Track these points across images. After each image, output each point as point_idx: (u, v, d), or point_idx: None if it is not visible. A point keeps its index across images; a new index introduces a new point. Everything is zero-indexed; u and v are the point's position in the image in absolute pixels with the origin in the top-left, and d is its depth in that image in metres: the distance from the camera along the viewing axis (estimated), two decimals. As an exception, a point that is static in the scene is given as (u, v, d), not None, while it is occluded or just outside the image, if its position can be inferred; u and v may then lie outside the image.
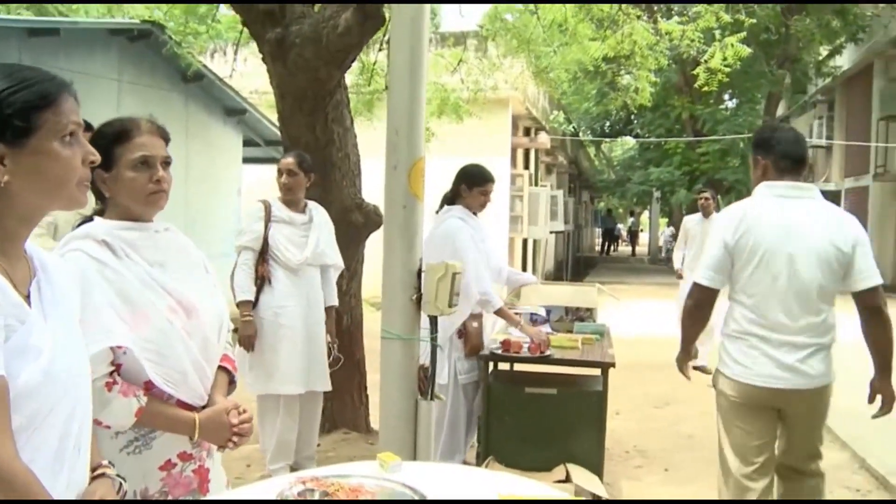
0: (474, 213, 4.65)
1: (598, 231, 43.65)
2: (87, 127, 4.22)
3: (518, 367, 4.86)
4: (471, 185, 4.58)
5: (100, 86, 9.11)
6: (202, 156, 11.02)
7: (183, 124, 10.61)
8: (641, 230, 44.04)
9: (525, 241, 18.17)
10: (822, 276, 3.22)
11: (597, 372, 4.94)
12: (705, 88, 10.46)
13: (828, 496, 4.82)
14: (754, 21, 13.07)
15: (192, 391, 2.05)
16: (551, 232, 19.88)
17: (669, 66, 16.03)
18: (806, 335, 3.23)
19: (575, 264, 25.91)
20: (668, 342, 9.17)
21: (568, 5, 10.00)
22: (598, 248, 41.27)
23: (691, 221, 8.99)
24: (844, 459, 5.52)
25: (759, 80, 19.71)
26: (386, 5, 4.17)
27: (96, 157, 1.46)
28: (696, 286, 3.39)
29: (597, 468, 4.39)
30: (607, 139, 31.10)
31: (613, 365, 4.44)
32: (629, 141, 32.62)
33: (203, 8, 9.34)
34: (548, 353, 4.53)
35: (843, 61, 22.89)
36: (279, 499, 1.79)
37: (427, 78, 3.56)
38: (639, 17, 10.07)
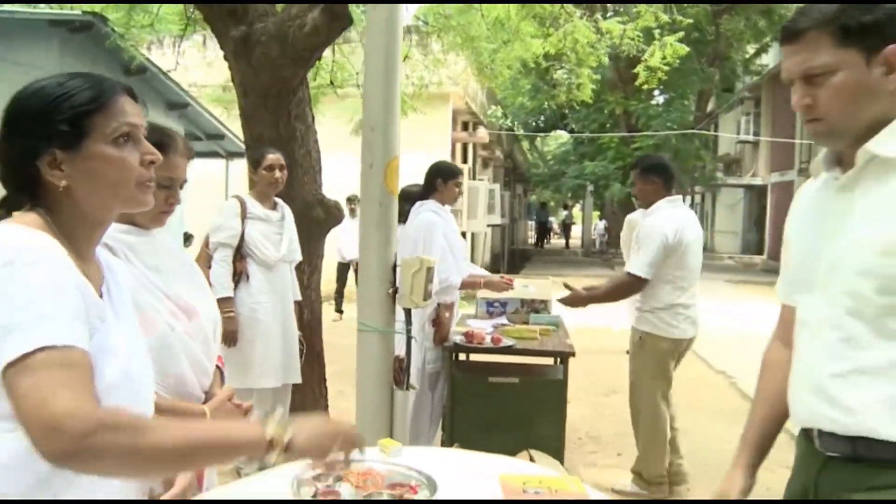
0: (447, 206, 4.80)
1: (532, 224, 44.16)
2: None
3: (480, 357, 5.01)
4: (446, 179, 4.74)
5: (39, 77, 8.94)
6: (144, 149, 10.89)
7: (125, 117, 10.46)
8: (574, 223, 44.72)
9: (464, 235, 18.33)
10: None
11: (552, 361, 5.19)
12: (645, 86, 10.80)
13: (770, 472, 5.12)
14: (690, 21, 13.46)
15: (189, 394, 2.10)
16: (489, 225, 20.11)
17: (604, 63, 16.36)
18: (696, 299, 4.64)
19: (510, 257, 26.20)
20: (611, 332, 9.46)
21: (511, 4, 10.18)
22: (531, 241, 41.77)
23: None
24: (784, 440, 5.83)
25: (691, 78, 20.26)
26: (356, 5, 4.26)
27: (157, 156, 1.47)
28: (635, 277, 4.48)
29: (558, 454, 4.56)
30: (542, 134, 31.52)
31: (573, 354, 4.62)
32: (564, 135, 33.12)
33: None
34: (509, 343, 4.70)
35: (770, 60, 23.72)
36: (295, 488, 1.87)
37: (400, 77, 3.68)
38: (581, 17, 10.32)
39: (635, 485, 4.76)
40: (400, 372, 3.79)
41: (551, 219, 47.28)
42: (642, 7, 9.69)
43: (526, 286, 5.81)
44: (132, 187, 1.43)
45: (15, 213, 1.39)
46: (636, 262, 4.49)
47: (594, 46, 10.86)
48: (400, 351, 3.81)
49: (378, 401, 3.62)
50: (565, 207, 42.02)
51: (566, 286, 4.72)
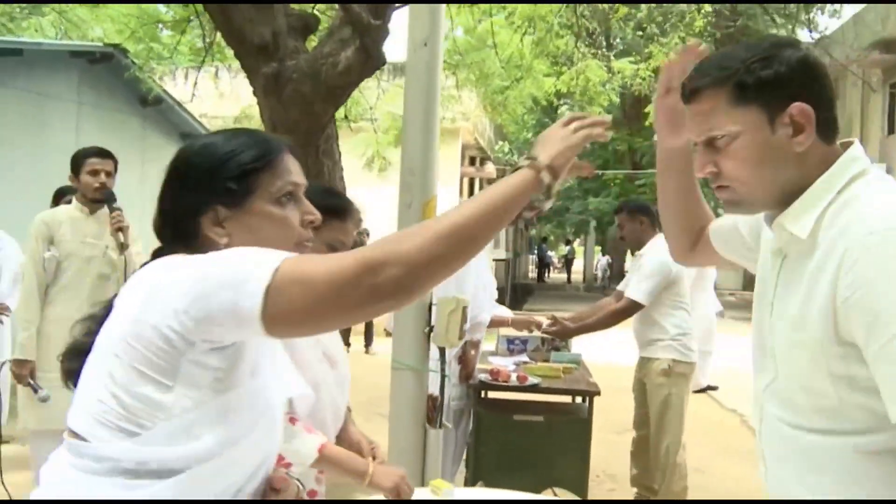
0: None
1: (532, 258, 44.24)
2: (103, 153, 4.24)
3: (503, 394, 5.03)
4: None
5: (59, 108, 9.05)
6: (158, 179, 10.91)
7: (140, 148, 10.55)
8: (575, 258, 44.82)
9: (469, 269, 18.38)
10: None
11: (578, 399, 5.20)
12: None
13: None
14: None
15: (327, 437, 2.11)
16: (494, 259, 20.20)
17: (614, 102, 16.54)
18: None
19: (513, 291, 26.26)
20: (624, 369, 9.47)
21: (525, 41, 10.32)
22: (531, 275, 41.81)
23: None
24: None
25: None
26: (396, 45, 4.33)
27: (317, 217, 1.45)
28: (634, 303, 4.67)
29: (581, 492, 4.58)
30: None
31: (598, 393, 4.65)
32: (567, 171, 33.21)
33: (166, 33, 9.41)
34: (535, 382, 4.72)
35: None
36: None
37: (439, 120, 3.74)
38: (593, 56, 10.46)
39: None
40: (433, 410, 3.81)
41: (550, 253, 47.44)
42: (654, 47, 9.82)
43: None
44: (291, 247, 1.40)
45: None
46: (639, 290, 4.69)
47: (605, 85, 11.01)
48: (433, 389, 3.82)
49: (412, 439, 3.64)
50: (567, 243, 42.09)
51: (553, 318, 4.88)
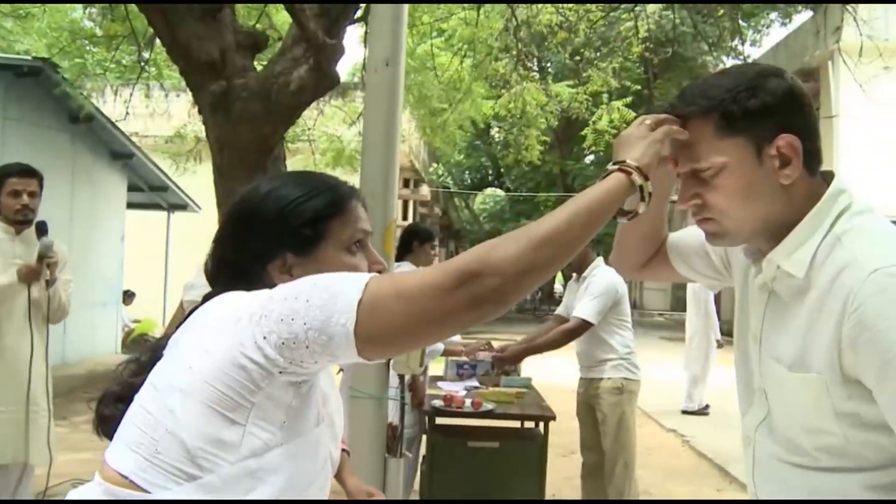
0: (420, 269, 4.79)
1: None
2: (26, 172, 4.03)
3: (457, 420, 4.95)
4: (423, 241, 4.76)
5: (-19, 122, 8.70)
6: (87, 199, 10.65)
7: (69, 166, 10.23)
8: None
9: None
10: None
11: (529, 423, 5.17)
12: (592, 148, 11.08)
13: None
14: (638, 87, 13.91)
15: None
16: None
17: (552, 126, 16.76)
18: None
19: (445, 313, 26.17)
20: (562, 390, 9.51)
21: (465, 64, 10.36)
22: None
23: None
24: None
25: (626, 140, 20.79)
26: (357, 70, 4.25)
27: (383, 265, 1.41)
28: (585, 322, 4.69)
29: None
30: (480, 191, 31.86)
31: (554, 417, 4.62)
32: (499, 193, 33.53)
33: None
34: (490, 408, 4.66)
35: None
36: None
37: (399, 143, 3.67)
38: (532, 80, 10.57)
39: None
40: (393, 440, 3.71)
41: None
42: (593, 72, 9.97)
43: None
44: None
45: None
46: (588, 310, 4.71)
47: (543, 109, 11.12)
48: (393, 418, 3.73)
49: (372, 469, 3.53)
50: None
51: (488, 346, 5.14)
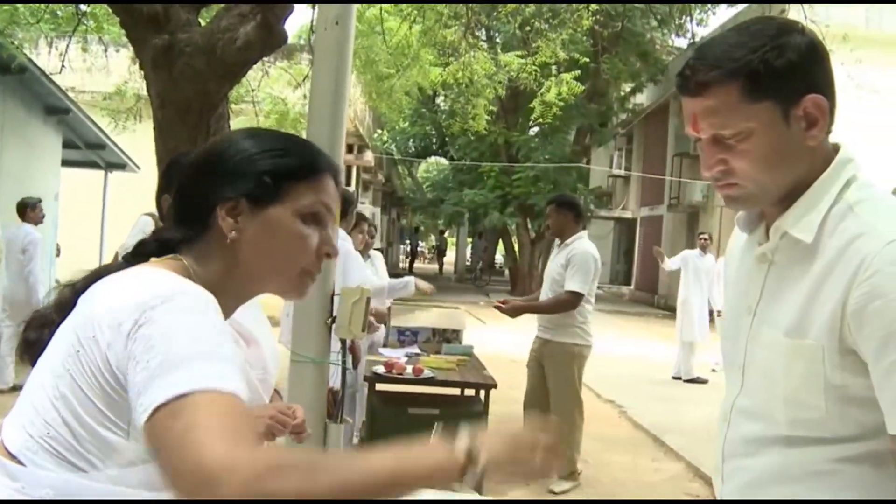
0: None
1: (404, 248, 44.35)
2: None
3: (398, 387, 4.94)
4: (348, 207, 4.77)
5: None
6: (18, 156, 10.23)
7: (-1, 120, 9.83)
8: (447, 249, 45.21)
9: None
10: None
11: (469, 391, 5.20)
12: (540, 120, 11.07)
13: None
14: (587, 60, 13.91)
15: None
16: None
17: (501, 96, 16.69)
18: None
19: (387, 281, 26.21)
20: (503, 360, 9.61)
21: (414, 30, 10.24)
22: (402, 265, 41.90)
23: (692, 256, 10.27)
24: (680, 469, 6.06)
25: (571, 113, 20.87)
26: (304, 32, 4.15)
27: (335, 251, 1.32)
28: (576, 293, 5.11)
29: (477, 486, 4.54)
30: (424, 159, 31.71)
31: (495, 385, 4.64)
32: (443, 162, 33.44)
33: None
34: (430, 375, 4.66)
35: (644, 99, 24.75)
36: None
37: (347, 104, 3.60)
38: (481, 49, 10.49)
39: (566, 481, 5.26)
40: (334, 405, 3.68)
41: (421, 244, 47.79)
42: (542, 43, 9.93)
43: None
44: (296, 271, 1.29)
45: (153, 260, 1.25)
46: (578, 283, 5.13)
47: (491, 78, 11.07)
48: (334, 383, 3.70)
49: (312, 435, 3.49)
50: (442, 233, 42.35)
51: (500, 302, 5.34)
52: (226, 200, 1.25)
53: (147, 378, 1.03)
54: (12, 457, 1.11)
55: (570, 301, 5.14)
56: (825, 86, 1.34)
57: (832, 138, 1.41)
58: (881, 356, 1.22)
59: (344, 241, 4.63)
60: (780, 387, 1.36)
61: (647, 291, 24.52)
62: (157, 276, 1.17)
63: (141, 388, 1.03)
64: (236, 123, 11.00)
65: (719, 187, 1.40)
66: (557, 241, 5.40)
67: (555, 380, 5.27)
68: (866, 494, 1.31)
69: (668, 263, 10.35)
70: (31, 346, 1.24)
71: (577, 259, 5.15)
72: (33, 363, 1.19)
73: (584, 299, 5.19)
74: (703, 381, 9.80)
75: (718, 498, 1.54)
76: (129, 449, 1.10)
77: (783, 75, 1.30)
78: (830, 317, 1.28)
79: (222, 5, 4.75)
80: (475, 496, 2.15)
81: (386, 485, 1.07)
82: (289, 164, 1.28)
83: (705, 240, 10.27)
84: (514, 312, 5.25)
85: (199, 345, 1.07)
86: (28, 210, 7.91)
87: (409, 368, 4.68)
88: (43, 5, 8.99)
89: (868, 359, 1.24)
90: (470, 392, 5.23)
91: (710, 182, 1.41)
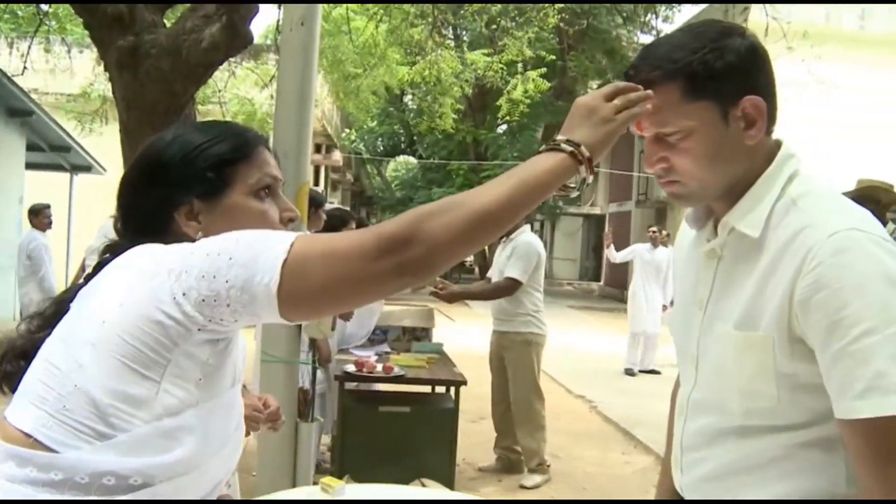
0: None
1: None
2: None
3: (369, 385, 4.96)
4: (316, 208, 4.73)
5: None
6: (-18, 158, 10.15)
7: (-39, 123, 9.71)
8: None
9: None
10: None
11: (440, 388, 5.22)
12: (507, 117, 11.14)
13: (641, 496, 5.39)
14: (553, 57, 13.99)
15: None
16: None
17: (467, 94, 16.72)
18: None
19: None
20: (473, 357, 9.68)
21: (380, 29, 10.25)
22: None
23: (642, 250, 10.40)
24: (650, 462, 6.13)
25: (538, 111, 20.98)
26: (270, 32, 4.15)
27: (295, 213, 1.37)
28: (514, 280, 5.27)
29: (448, 482, 4.58)
30: (393, 158, 31.64)
31: (465, 383, 4.67)
32: (412, 161, 33.40)
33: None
34: (401, 373, 4.68)
35: (610, 97, 24.93)
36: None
37: (314, 104, 3.62)
38: (448, 48, 10.52)
39: (537, 475, 5.36)
40: (304, 404, 3.69)
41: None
42: (508, 41, 9.99)
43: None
44: None
45: None
46: (518, 270, 5.29)
47: (458, 77, 11.11)
48: (304, 382, 3.71)
49: (282, 434, 3.49)
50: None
51: (441, 282, 5.44)
52: (180, 207, 1.29)
53: (248, 275, 1.11)
54: (33, 440, 1.12)
55: (507, 287, 5.30)
56: (765, 87, 1.38)
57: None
58: (827, 345, 1.26)
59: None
60: (733, 379, 1.40)
61: (616, 287, 24.71)
62: None
63: (242, 284, 1.11)
64: (204, 124, 10.99)
65: (662, 184, 1.44)
66: (503, 239, 5.56)
67: (514, 369, 5.43)
68: (817, 477, 1.35)
69: (613, 253, 10.53)
70: (10, 377, 1.27)
71: (520, 250, 5.34)
72: (13, 392, 1.21)
73: (534, 288, 5.38)
74: (657, 372, 10.04)
75: (679, 489, 1.58)
76: (158, 403, 1.14)
77: (722, 76, 1.34)
78: (779, 308, 1.31)
79: (187, 6, 4.72)
80: (476, 496, 2.19)
81: (518, 194, 1.19)
82: (223, 151, 1.31)
83: (654, 233, 10.38)
84: (450, 298, 5.38)
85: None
86: (32, 215, 7.89)
87: (380, 367, 4.70)
88: (3, 5, 8.88)
89: (815, 347, 1.28)
90: (441, 389, 5.25)
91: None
